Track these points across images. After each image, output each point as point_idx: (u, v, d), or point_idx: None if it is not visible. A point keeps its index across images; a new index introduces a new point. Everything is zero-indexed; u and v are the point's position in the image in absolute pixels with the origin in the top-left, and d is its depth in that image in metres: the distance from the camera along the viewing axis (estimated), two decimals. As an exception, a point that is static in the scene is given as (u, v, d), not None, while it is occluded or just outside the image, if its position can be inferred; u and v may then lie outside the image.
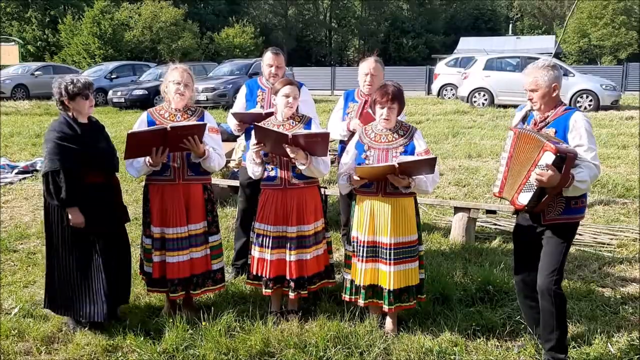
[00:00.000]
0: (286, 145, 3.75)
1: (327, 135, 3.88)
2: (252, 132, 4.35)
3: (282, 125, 3.99)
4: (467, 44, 34.60)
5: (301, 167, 3.87)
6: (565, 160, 3.14)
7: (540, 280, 3.44)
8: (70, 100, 3.81)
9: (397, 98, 3.77)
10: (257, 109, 4.73)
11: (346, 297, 4.02)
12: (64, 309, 3.99)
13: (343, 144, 4.66)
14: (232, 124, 4.82)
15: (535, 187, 3.26)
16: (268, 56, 4.82)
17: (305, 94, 4.66)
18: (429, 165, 3.63)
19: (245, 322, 4.00)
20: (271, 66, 4.77)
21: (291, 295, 4.03)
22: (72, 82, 3.80)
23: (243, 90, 4.99)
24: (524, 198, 3.34)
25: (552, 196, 3.28)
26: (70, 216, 3.78)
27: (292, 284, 4.01)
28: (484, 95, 18.37)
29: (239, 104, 4.96)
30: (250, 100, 4.89)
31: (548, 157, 3.17)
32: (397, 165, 3.59)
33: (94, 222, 3.84)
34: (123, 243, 4.11)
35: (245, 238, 4.84)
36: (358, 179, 3.79)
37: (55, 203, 3.78)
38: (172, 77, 4.01)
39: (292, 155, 3.78)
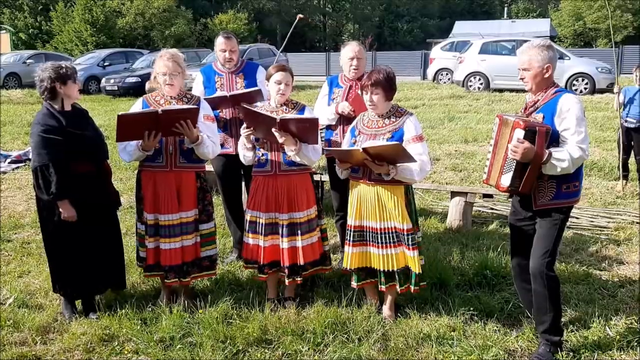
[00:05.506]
0: (274, 130, 3.70)
1: (316, 120, 3.83)
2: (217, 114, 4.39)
3: (275, 111, 3.93)
4: (462, 28, 34.37)
5: (290, 154, 3.82)
6: (536, 134, 3.17)
7: (532, 263, 3.42)
8: (63, 85, 3.76)
9: (380, 83, 3.65)
10: (219, 93, 4.72)
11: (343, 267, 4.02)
12: (72, 290, 4.00)
13: (331, 129, 4.62)
14: None
15: (514, 165, 3.25)
16: (220, 41, 4.80)
17: None
18: (397, 151, 3.47)
19: (242, 310, 3.99)
20: (224, 51, 4.78)
21: (286, 281, 4.02)
22: (62, 67, 3.77)
23: (200, 77, 4.95)
24: (506, 179, 3.33)
25: (534, 173, 3.25)
26: (61, 210, 3.74)
27: (286, 270, 4.00)
28: (479, 79, 18.30)
29: (197, 92, 4.88)
30: (208, 87, 4.87)
31: (519, 133, 3.21)
32: (361, 150, 3.53)
33: (85, 211, 3.81)
34: (113, 229, 4.09)
35: (233, 219, 5.01)
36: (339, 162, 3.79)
37: (46, 197, 3.73)
38: (158, 68, 3.97)
39: (280, 141, 3.73)
